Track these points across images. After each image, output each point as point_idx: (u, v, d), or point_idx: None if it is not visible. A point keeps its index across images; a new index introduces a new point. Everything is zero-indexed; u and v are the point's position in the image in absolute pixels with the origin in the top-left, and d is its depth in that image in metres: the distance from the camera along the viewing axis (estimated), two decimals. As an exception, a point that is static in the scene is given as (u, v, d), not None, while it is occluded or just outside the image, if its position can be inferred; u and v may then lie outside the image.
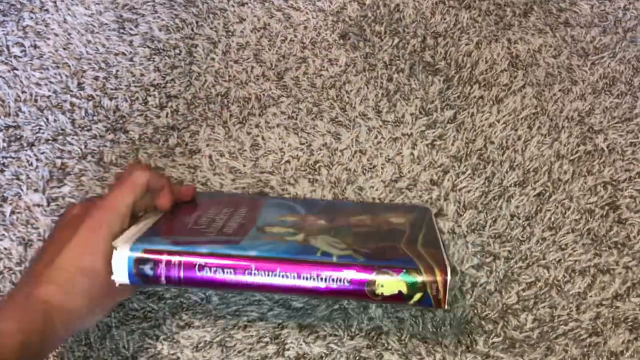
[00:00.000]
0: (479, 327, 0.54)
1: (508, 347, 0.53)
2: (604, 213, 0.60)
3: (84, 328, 0.48)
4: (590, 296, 0.55)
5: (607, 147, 0.64)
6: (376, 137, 0.64)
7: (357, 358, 0.53)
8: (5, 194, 0.61)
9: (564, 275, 0.56)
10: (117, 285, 0.44)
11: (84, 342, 0.54)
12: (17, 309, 0.41)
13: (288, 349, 0.53)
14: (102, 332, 0.54)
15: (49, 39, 0.71)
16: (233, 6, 0.73)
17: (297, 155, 0.64)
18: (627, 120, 0.65)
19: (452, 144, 0.64)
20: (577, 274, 0.57)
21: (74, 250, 0.44)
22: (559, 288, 0.56)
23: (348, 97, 0.67)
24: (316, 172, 0.63)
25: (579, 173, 0.62)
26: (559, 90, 0.68)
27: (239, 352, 0.53)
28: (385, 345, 0.53)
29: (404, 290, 0.42)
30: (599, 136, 0.64)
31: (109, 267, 0.44)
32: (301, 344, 0.53)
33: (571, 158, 0.63)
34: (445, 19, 0.72)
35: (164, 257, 0.43)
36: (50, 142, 0.64)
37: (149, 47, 0.71)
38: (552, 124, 0.65)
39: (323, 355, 0.53)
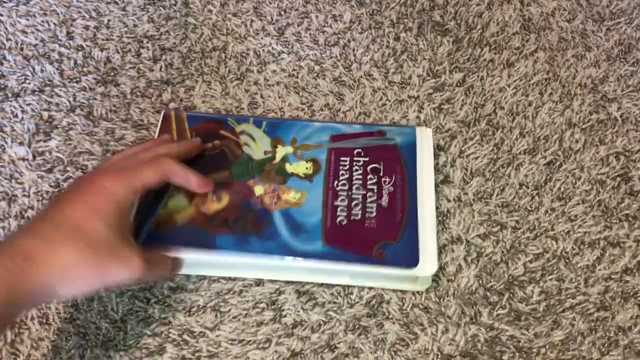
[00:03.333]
0: (483, 299, 0.52)
1: (513, 320, 0.51)
2: (616, 184, 0.57)
3: (68, 295, 0.43)
4: (599, 269, 0.53)
5: (621, 116, 0.61)
6: (381, 98, 0.61)
7: (357, 326, 0.51)
8: (-12, 146, 0.58)
9: (572, 247, 0.54)
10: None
11: (70, 303, 0.51)
12: None
13: (285, 316, 0.51)
14: (89, 293, 0.51)
15: (36, -16, 0.66)
16: (233, -44, 0.69)
17: (297, 116, 0.60)
18: (642, 89, 0.63)
19: (461, 109, 0.61)
20: (586, 246, 0.54)
21: (72, 207, 0.41)
22: (567, 260, 0.54)
23: (353, 55, 0.64)
24: (317, 133, 0.60)
25: (590, 142, 0.60)
26: (572, 56, 0.65)
27: (234, 317, 0.51)
28: (386, 314, 0.51)
29: None
30: (613, 105, 0.62)
31: (106, 231, 0.41)
32: (299, 311, 0.51)
33: (583, 126, 0.60)
34: (456, -23, 0.68)
35: None
36: (36, 93, 0.61)
37: (142, -4, 0.67)
38: (564, 90, 0.62)
39: (321, 322, 0.51)
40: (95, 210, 0.41)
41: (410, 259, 0.49)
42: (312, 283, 0.52)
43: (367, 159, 0.54)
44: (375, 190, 0.52)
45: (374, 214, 0.51)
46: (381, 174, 0.53)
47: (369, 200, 0.52)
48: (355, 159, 0.54)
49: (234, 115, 0.59)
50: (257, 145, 0.55)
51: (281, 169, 0.53)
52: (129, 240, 0.43)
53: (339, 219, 0.51)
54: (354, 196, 0.52)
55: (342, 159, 0.54)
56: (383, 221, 0.51)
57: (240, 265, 0.51)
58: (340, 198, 0.52)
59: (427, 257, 0.49)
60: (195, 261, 0.50)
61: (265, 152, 0.54)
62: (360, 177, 0.53)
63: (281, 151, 0.54)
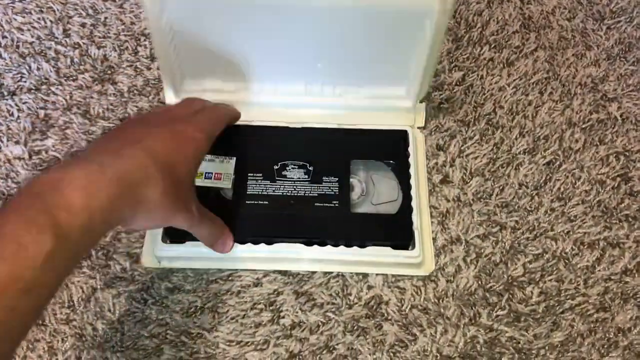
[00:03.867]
0: (482, 299, 0.52)
1: (512, 321, 0.51)
2: (616, 184, 0.57)
3: (135, 228, 0.46)
4: (599, 270, 0.53)
5: (621, 115, 0.61)
6: (380, 97, 0.61)
7: (355, 328, 0.50)
8: (-17, 145, 0.57)
9: (572, 247, 0.54)
10: None
11: (66, 304, 0.51)
12: (89, 180, 0.34)
13: (283, 317, 0.51)
14: (86, 294, 0.51)
15: (32, -20, 0.66)
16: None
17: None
18: (642, 88, 0.62)
19: (460, 108, 0.60)
20: (585, 247, 0.54)
21: (165, 142, 0.40)
22: (567, 261, 0.54)
23: (351, 54, 0.63)
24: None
25: (590, 142, 0.59)
26: (572, 55, 0.64)
27: (232, 318, 0.50)
28: (385, 315, 0.51)
29: None
30: (613, 104, 0.61)
31: (187, 179, 0.42)
32: (297, 312, 0.51)
33: (583, 126, 0.60)
34: (455, -25, 0.68)
35: None
36: (32, 91, 0.60)
37: (140, -7, 0.66)
38: (564, 89, 0.62)
39: (320, 324, 0.50)
40: (186, 156, 0.42)
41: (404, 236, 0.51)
42: (311, 283, 0.52)
43: None
44: None
45: None
46: None
47: None
48: None
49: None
50: None
51: None
52: (194, 192, 0.44)
53: None
54: None
55: None
56: None
57: (240, 257, 0.51)
58: None
59: (424, 256, 0.51)
60: (205, 256, 0.51)
61: None
62: None
63: None
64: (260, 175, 0.53)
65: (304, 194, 0.52)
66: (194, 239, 0.48)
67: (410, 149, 0.55)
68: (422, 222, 0.53)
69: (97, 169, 0.35)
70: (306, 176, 0.53)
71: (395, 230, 0.51)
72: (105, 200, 0.34)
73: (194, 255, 0.51)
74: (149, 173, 0.38)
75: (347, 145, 0.55)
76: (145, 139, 0.40)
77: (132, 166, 0.37)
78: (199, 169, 0.47)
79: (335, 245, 0.51)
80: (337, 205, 0.52)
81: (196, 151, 0.43)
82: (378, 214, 0.53)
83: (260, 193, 0.52)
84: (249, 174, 0.53)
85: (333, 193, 0.52)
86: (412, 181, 0.53)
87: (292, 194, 0.52)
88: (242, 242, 0.50)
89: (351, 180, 0.54)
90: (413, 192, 0.53)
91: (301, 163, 0.53)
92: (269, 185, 0.52)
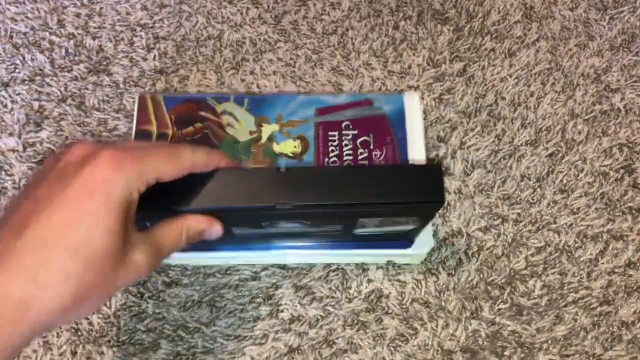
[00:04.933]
0: (484, 293, 0.51)
1: (515, 315, 0.50)
2: (619, 176, 0.56)
3: (66, 324, 0.36)
4: (602, 263, 0.52)
5: (624, 107, 0.60)
6: (380, 88, 0.60)
7: (355, 322, 0.50)
8: (-23, 137, 0.56)
9: (575, 240, 0.53)
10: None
11: (62, 298, 0.50)
12: None
13: (282, 311, 0.50)
14: (81, 288, 0.50)
15: (26, -30, 0.65)
16: (228, -58, 0.67)
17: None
18: (645, 79, 0.62)
19: (461, 99, 0.60)
20: (588, 239, 0.53)
21: (60, 214, 0.30)
22: (570, 254, 0.53)
23: (351, 44, 0.62)
24: (315, 124, 0.59)
25: (593, 133, 0.58)
26: (575, 45, 0.63)
27: (230, 312, 0.50)
28: (386, 309, 0.50)
29: None
30: (616, 95, 0.61)
31: (109, 241, 0.30)
32: (296, 306, 0.50)
33: (586, 117, 0.59)
34: (456, -35, 0.67)
35: None
36: (26, 82, 0.59)
37: (135, -17, 0.65)
38: (566, 80, 0.61)
39: (319, 317, 0.50)
40: (98, 218, 0.30)
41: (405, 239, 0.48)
42: (310, 277, 0.51)
43: (355, 131, 0.51)
44: (367, 165, 0.50)
45: None
46: (371, 147, 0.51)
47: None
48: (344, 132, 0.51)
49: (213, 93, 0.57)
50: (241, 125, 0.52)
51: (269, 150, 0.51)
52: (134, 238, 0.33)
53: None
54: None
55: (330, 133, 0.51)
56: None
57: (238, 255, 0.50)
58: None
59: (422, 235, 0.48)
60: (193, 257, 0.49)
61: (251, 133, 0.51)
62: (351, 152, 0.50)
63: (267, 130, 0.51)
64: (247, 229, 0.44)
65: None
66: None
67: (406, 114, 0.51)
68: None
69: None
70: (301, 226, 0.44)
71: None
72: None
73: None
74: (41, 282, 0.29)
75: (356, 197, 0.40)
76: (34, 219, 0.30)
77: (14, 279, 0.29)
78: None
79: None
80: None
81: (107, 204, 0.31)
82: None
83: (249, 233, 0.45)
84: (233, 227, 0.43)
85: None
86: (407, 147, 0.49)
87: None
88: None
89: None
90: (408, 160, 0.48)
91: (294, 222, 0.43)
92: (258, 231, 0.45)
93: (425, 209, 0.41)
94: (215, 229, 0.39)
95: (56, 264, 0.29)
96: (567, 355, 0.49)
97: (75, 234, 0.29)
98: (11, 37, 0.62)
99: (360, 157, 0.51)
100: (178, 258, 0.50)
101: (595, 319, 0.50)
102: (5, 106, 0.58)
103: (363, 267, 0.52)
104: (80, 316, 0.33)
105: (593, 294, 0.51)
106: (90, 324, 0.49)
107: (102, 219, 0.30)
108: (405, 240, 0.49)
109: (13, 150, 0.56)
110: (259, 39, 0.63)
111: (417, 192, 0.38)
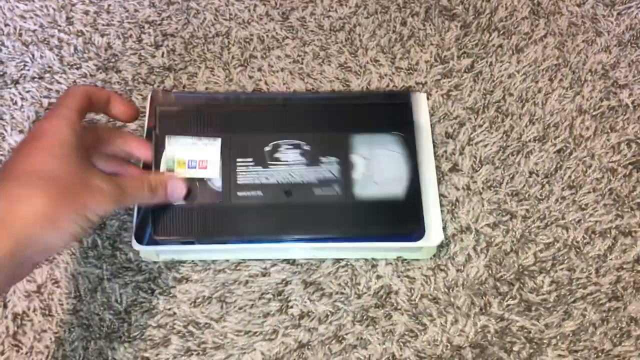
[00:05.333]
0: (493, 289, 0.51)
1: (523, 310, 0.50)
2: (627, 172, 0.56)
3: (57, 244, 0.39)
4: (611, 259, 0.53)
5: (632, 102, 0.60)
6: (388, 85, 0.60)
7: (365, 317, 0.50)
8: (-13, 135, 0.56)
9: (583, 236, 0.53)
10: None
11: (73, 294, 0.50)
12: None
13: (292, 307, 0.50)
14: (92, 284, 0.50)
15: (34, -33, 0.65)
16: (235, -61, 0.67)
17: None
18: (653, 75, 0.62)
19: (469, 95, 0.60)
20: (597, 235, 0.54)
21: (19, 156, 0.39)
22: (578, 250, 0.53)
23: (359, 41, 0.62)
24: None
25: (601, 129, 0.58)
26: (583, 41, 0.63)
27: (240, 308, 0.50)
28: (395, 305, 0.50)
29: None
30: (624, 91, 0.61)
31: (62, 166, 0.38)
32: (306, 302, 0.50)
33: (594, 113, 0.59)
34: (463, -39, 0.67)
35: None
36: (36, 80, 0.60)
37: (143, -20, 0.65)
38: (574, 76, 0.61)
39: (329, 313, 0.50)
40: (45, 149, 0.38)
41: (416, 231, 0.49)
42: (319, 273, 0.51)
43: None
44: None
45: None
46: None
47: None
48: None
49: (224, 93, 0.58)
50: None
51: None
52: (93, 168, 0.41)
53: None
54: None
55: None
56: None
57: (246, 250, 0.50)
58: None
59: (432, 227, 0.49)
60: (201, 250, 0.50)
61: None
62: None
63: None
64: (251, 160, 0.49)
65: (302, 180, 0.49)
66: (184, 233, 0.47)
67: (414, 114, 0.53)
68: (428, 193, 0.51)
69: None
70: (302, 158, 0.49)
71: (403, 219, 0.49)
72: None
73: (188, 248, 0.50)
74: (12, 195, 0.36)
75: (345, 115, 0.51)
76: (12, 161, 0.39)
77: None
78: (182, 157, 0.48)
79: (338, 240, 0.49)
80: (339, 193, 0.49)
81: (54, 138, 0.39)
82: (384, 200, 0.49)
83: (252, 182, 0.48)
84: (238, 160, 0.49)
85: (333, 177, 0.49)
86: (415, 146, 0.51)
87: (288, 182, 0.49)
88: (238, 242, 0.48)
89: (352, 157, 0.50)
90: (420, 166, 0.51)
91: (296, 142, 0.49)
92: (261, 172, 0.49)
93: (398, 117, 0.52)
94: (179, 186, 0.47)
95: (23, 185, 0.36)
96: (576, 351, 0.49)
97: (31, 163, 0.38)
98: (20, 34, 0.62)
99: None
100: (188, 252, 0.50)
101: (604, 314, 0.50)
102: (15, 103, 0.58)
103: (372, 263, 0.52)
104: (60, 230, 0.37)
105: (602, 290, 0.51)
106: (102, 320, 0.49)
107: (50, 150, 0.38)
108: (412, 228, 0.49)
109: (23, 148, 0.56)
110: (267, 35, 0.63)
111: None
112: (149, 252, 0.50)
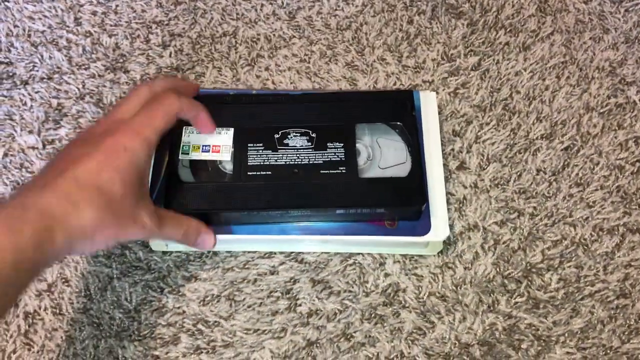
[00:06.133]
0: (501, 286, 0.51)
1: (531, 308, 0.50)
2: (635, 170, 0.56)
3: (84, 252, 0.43)
4: (619, 256, 0.53)
5: (640, 100, 0.60)
6: (395, 83, 0.60)
7: (373, 315, 0.50)
8: (-3, 135, 0.57)
9: (591, 233, 0.53)
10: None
11: (83, 293, 0.51)
12: (11, 219, 0.35)
13: (300, 305, 0.50)
14: (102, 283, 0.51)
15: (42, -31, 0.65)
16: (242, -62, 0.67)
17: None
18: (661, 72, 0.61)
19: (476, 93, 0.60)
20: (605, 232, 0.54)
21: (92, 164, 0.39)
22: (586, 247, 0.53)
23: (365, 39, 0.63)
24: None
25: (609, 127, 0.58)
26: (590, 39, 0.63)
27: (249, 306, 0.50)
28: (403, 303, 0.51)
29: None
30: (631, 88, 0.60)
31: (125, 192, 0.40)
32: (314, 300, 0.51)
33: (601, 111, 0.59)
34: (470, -41, 0.67)
35: None
36: (45, 80, 0.60)
37: (151, -20, 0.65)
38: (581, 74, 0.61)
39: (337, 311, 0.50)
40: (118, 170, 0.40)
41: (422, 226, 0.49)
42: (327, 271, 0.52)
43: None
44: None
45: None
46: None
47: None
48: None
49: (232, 89, 0.59)
50: None
51: None
52: (146, 199, 0.43)
53: None
54: None
55: None
56: None
57: (254, 241, 0.51)
58: None
59: (438, 222, 0.50)
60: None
61: None
62: None
63: None
64: (261, 145, 0.51)
65: (309, 161, 0.50)
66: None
67: (422, 112, 0.54)
68: (435, 189, 0.51)
69: (19, 208, 0.36)
70: (309, 143, 0.51)
71: (406, 193, 0.49)
72: (31, 235, 0.35)
73: None
74: (74, 201, 0.37)
75: (349, 109, 0.53)
76: (71, 166, 0.39)
77: (53, 198, 0.37)
78: (197, 142, 0.50)
79: (345, 209, 0.49)
80: (344, 171, 0.50)
81: (130, 162, 0.41)
82: (387, 177, 0.51)
83: (262, 164, 0.50)
84: (249, 145, 0.51)
85: (339, 159, 0.50)
86: (423, 143, 0.52)
87: (296, 163, 0.50)
88: (245, 209, 0.49)
89: (357, 145, 0.52)
90: (424, 155, 0.52)
91: (303, 130, 0.51)
92: (270, 155, 0.50)
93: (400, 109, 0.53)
94: (209, 239, 0.49)
95: (85, 194, 0.38)
96: (584, 348, 0.49)
97: (100, 179, 0.39)
98: (29, 35, 0.63)
99: None
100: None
101: (612, 312, 0.50)
102: (25, 104, 0.59)
103: (380, 261, 0.52)
104: (94, 245, 0.39)
105: (610, 287, 0.51)
106: (112, 318, 0.50)
107: (122, 173, 0.40)
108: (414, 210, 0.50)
109: (33, 148, 0.57)
110: (274, 35, 0.63)
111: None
112: (158, 242, 0.51)
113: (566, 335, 0.50)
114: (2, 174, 0.55)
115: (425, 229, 0.49)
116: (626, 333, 0.50)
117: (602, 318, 0.50)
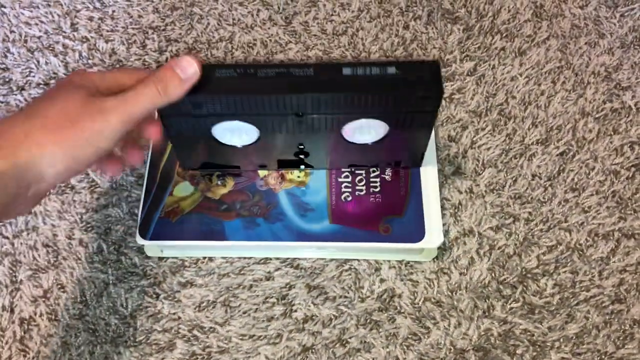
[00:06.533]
0: (496, 292, 0.51)
1: (527, 313, 0.50)
2: (630, 175, 0.56)
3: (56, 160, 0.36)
4: (614, 262, 0.53)
5: (635, 105, 0.60)
6: (391, 88, 0.60)
7: (368, 321, 0.50)
8: (-7, 141, 0.57)
9: (586, 239, 0.54)
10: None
11: (79, 299, 0.51)
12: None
13: (296, 310, 0.50)
14: (98, 289, 0.51)
15: (39, -26, 0.65)
16: (238, -56, 0.68)
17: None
18: (656, 76, 0.62)
19: (472, 98, 0.60)
20: (600, 238, 0.54)
21: (46, 97, 0.37)
22: (581, 252, 0.53)
23: (361, 44, 0.63)
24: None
25: (604, 132, 0.58)
26: (585, 44, 0.63)
27: (244, 312, 0.50)
28: (398, 308, 0.51)
29: None
30: (627, 93, 0.61)
31: (82, 100, 0.36)
32: (309, 305, 0.51)
33: (596, 116, 0.59)
34: (466, -36, 0.67)
35: None
36: (41, 86, 0.60)
37: (147, -14, 0.66)
38: (577, 79, 0.61)
39: (332, 317, 0.50)
40: (62, 91, 0.37)
41: (416, 233, 0.50)
42: (323, 277, 0.52)
43: None
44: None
45: (378, 188, 0.52)
46: None
47: (372, 174, 0.52)
48: None
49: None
50: None
51: None
52: (97, 96, 0.37)
53: (343, 195, 0.51)
54: (357, 171, 0.52)
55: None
56: (387, 195, 0.51)
57: (249, 248, 0.51)
58: (344, 174, 0.52)
59: (432, 229, 0.50)
60: (205, 246, 0.51)
61: None
62: None
63: None
64: None
65: None
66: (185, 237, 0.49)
67: None
68: (429, 196, 0.51)
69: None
70: None
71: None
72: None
73: (192, 244, 0.50)
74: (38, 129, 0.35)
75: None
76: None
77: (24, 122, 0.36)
78: None
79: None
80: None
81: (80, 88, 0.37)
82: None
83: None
84: None
85: None
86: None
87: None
88: None
89: None
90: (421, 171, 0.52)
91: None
92: None
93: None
94: (186, 60, 0.39)
95: (44, 114, 0.36)
96: (579, 354, 0.49)
97: (53, 104, 0.36)
98: (25, 41, 0.63)
99: None
100: (192, 248, 0.52)
101: (607, 317, 0.51)
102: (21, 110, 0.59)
103: (375, 267, 0.52)
104: (74, 147, 0.36)
105: (605, 293, 0.51)
106: (108, 324, 0.50)
107: (71, 97, 0.36)
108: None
109: (29, 154, 0.57)
110: (270, 40, 0.63)
111: None
112: (153, 247, 0.51)
113: (561, 340, 0.50)
114: (-2, 179, 0.55)
115: (419, 235, 0.50)
116: (621, 338, 0.50)
117: (597, 323, 0.50)
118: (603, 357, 0.49)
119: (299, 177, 0.52)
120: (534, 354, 0.49)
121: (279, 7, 0.65)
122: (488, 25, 0.64)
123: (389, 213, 0.51)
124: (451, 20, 0.64)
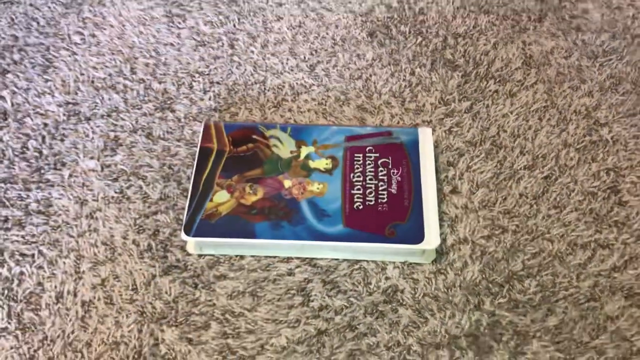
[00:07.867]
0: (486, 289, 0.59)
1: (512, 308, 0.58)
2: (606, 195, 0.65)
3: None
4: (590, 267, 0.60)
5: (612, 138, 0.69)
6: (398, 122, 0.71)
7: (374, 311, 0.58)
8: (64, 160, 0.68)
9: (566, 248, 0.62)
10: None
11: (130, 287, 0.60)
12: None
13: (312, 300, 0.59)
14: (147, 279, 0.60)
15: (105, 29, 0.79)
16: (271, 6, 0.81)
17: (325, 136, 0.70)
18: (631, 115, 0.71)
19: (468, 131, 0.70)
20: (578, 247, 0.62)
21: None
22: (561, 259, 0.61)
23: (374, 87, 0.74)
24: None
25: (584, 160, 0.67)
26: (569, 87, 0.73)
27: (269, 301, 0.59)
28: (401, 301, 0.59)
29: None
30: (604, 128, 0.70)
31: None
32: (324, 297, 0.59)
33: (577, 147, 0.68)
34: (465, 22, 0.78)
35: None
36: (105, 117, 0.72)
37: (194, 39, 0.78)
38: (560, 116, 0.71)
39: (344, 307, 0.59)
40: None
41: (417, 236, 0.58)
42: (336, 274, 0.60)
43: (377, 154, 0.64)
44: (386, 180, 0.62)
45: (385, 199, 0.61)
46: (390, 167, 0.63)
47: (380, 188, 0.62)
48: (367, 155, 0.64)
49: (264, 122, 0.69)
50: (284, 146, 0.65)
51: (305, 165, 0.64)
52: None
53: (356, 205, 0.61)
54: (367, 185, 0.62)
55: (356, 155, 0.64)
56: (393, 205, 0.61)
57: (274, 246, 0.60)
58: (356, 187, 0.62)
59: (431, 233, 0.59)
60: (238, 244, 0.60)
61: (291, 152, 0.65)
62: (372, 169, 0.63)
63: (304, 150, 0.65)
64: None
65: None
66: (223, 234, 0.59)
67: (420, 145, 0.64)
68: (429, 208, 0.61)
69: None
70: None
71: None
72: None
73: (227, 243, 0.60)
74: None
75: None
76: None
77: None
78: None
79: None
80: None
81: None
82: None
83: None
84: None
85: None
86: (420, 171, 0.63)
87: None
88: None
89: None
90: (421, 180, 0.62)
91: None
92: None
93: None
94: None
95: None
96: (558, 342, 0.56)
97: None
98: (92, 81, 0.75)
99: (380, 173, 0.62)
100: (225, 246, 0.61)
101: (583, 312, 0.58)
102: (87, 136, 0.70)
103: (382, 267, 0.61)
104: None
105: (581, 292, 0.59)
106: (154, 307, 0.59)
107: None
108: None
109: (93, 170, 0.68)
110: (296, 83, 0.75)
111: None
112: (194, 246, 0.61)
113: (542, 331, 0.57)
114: (67, 190, 0.66)
115: (419, 238, 0.59)
116: (595, 330, 0.57)
117: (574, 317, 0.58)
118: (579, 345, 0.56)
119: (318, 188, 0.62)
120: (518, 341, 0.57)
121: (304, 57, 0.77)
122: (483, 72, 0.75)
123: (394, 219, 0.60)
124: (451, 68, 0.75)
